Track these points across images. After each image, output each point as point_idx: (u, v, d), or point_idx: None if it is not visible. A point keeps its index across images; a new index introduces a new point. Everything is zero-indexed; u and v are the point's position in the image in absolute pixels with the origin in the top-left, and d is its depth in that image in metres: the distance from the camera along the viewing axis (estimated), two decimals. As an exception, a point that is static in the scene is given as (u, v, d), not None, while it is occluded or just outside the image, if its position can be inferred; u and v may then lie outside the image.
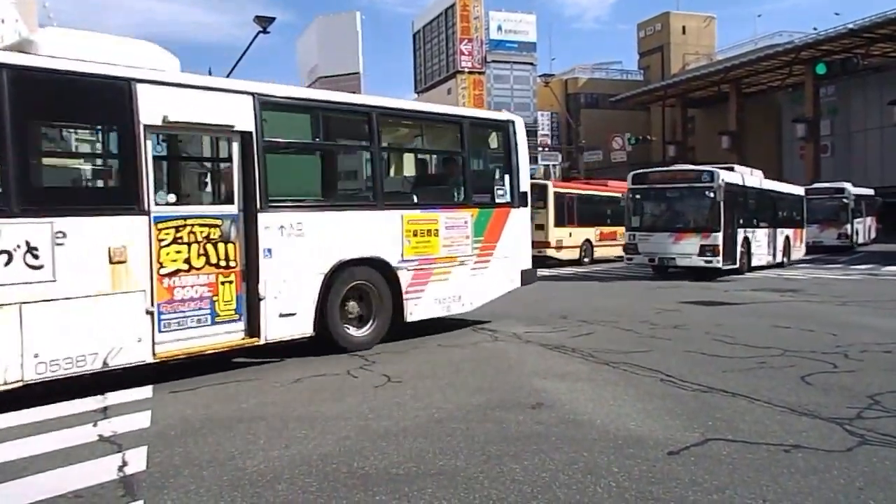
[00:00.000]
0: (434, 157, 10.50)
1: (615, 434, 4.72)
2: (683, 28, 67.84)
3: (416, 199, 8.93)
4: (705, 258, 17.44)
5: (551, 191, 23.52)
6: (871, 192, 34.57)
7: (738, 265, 18.39)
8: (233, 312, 6.90)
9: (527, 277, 10.01)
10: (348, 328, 7.99)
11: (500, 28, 75.72)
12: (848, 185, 30.50)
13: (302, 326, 7.46)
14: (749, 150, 47.89)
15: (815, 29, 43.12)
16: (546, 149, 75.02)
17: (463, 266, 9.00)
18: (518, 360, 7.45)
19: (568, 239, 23.90)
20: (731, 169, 19.99)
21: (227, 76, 23.06)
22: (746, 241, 19.14)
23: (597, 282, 18.12)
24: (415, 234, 8.45)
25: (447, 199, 9.23)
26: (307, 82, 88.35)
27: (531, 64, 76.82)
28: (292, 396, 6.00)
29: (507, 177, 9.74)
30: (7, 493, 3.89)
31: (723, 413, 5.20)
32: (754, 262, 19.72)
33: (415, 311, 8.48)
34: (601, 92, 69.45)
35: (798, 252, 23.96)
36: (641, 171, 20.34)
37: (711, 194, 17.42)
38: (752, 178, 20.70)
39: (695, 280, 17.17)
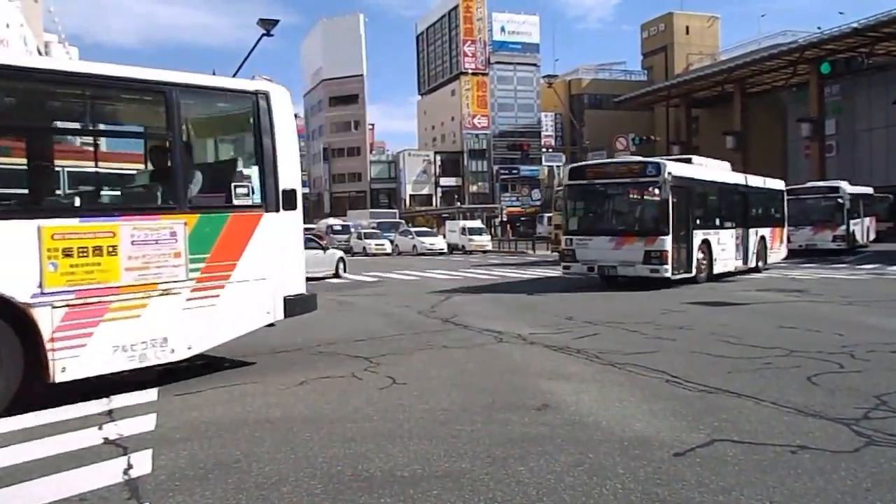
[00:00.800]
0: (113, 140, 8.04)
1: (621, 435, 4.71)
2: (687, 28, 67.79)
3: (77, 203, 6.77)
4: (651, 266, 14.86)
5: None
6: (869, 190, 33.40)
7: (692, 273, 15.84)
8: None
9: (294, 306, 7.36)
10: None
11: (503, 29, 75.75)
12: (843, 184, 28.97)
13: None
14: (754, 150, 47.84)
15: (819, 28, 43.17)
16: (550, 150, 75.07)
17: (168, 296, 6.30)
18: (523, 362, 7.44)
19: None
20: (689, 160, 17.75)
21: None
22: (707, 244, 16.62)
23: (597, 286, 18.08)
24: (69, 255, 5.67)
25: (136, 202, 6.95)
26: (311, 84, 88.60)
27: (535, 65, 76.85)
28: (297, 399, 6.00)
29: (255, 169, 7.10)
30: (13, 496, 3.89)
31: (729, 414, 5.18)
32: (718, 269, 17.20)
33: (71, 366, 5.74)
34: (605, 92, 69.42)
35: (777, 254, 21.83)
36: (578, 164, 18.64)
37: (657, 190, 14.95)
38: (712, 170, 18.27)
39: (649, 289, 14.95)
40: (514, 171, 74.44)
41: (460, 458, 4.32)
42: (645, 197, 15.56)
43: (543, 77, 55.34)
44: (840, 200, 27.78)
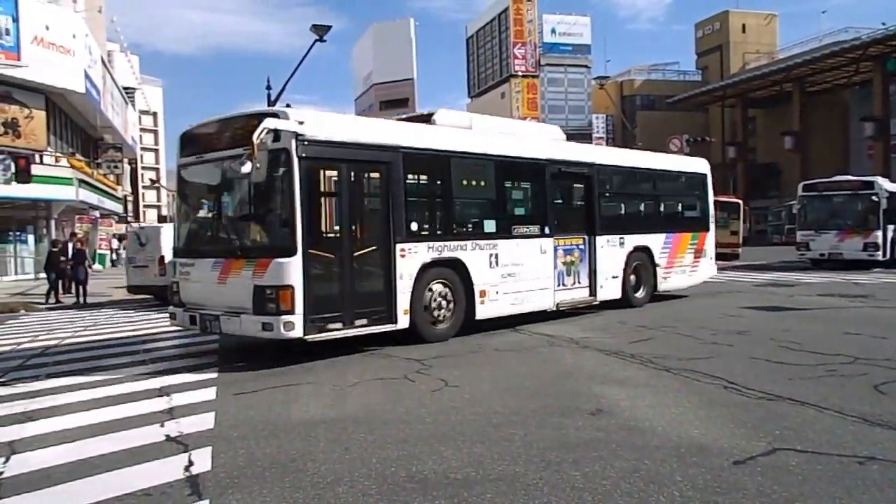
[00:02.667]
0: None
1: (678, 442, 4.61)
2: (743, 26, 66.20)
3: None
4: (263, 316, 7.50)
5: None
6: None
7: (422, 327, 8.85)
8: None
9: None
10: None
11: (553, 31, 75.28)
12: (881, 180, 22.97)
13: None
14: (814, 151, 46.48)
15: (883, 24, 41.47)
16: (601, 152, 73.78)
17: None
18: (575, 366, 7.36)
19: None
20: (429, 117, 10.28)
21: (285, 84, 23.51)
22: (463, 268, 9.34)
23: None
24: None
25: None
26: (363, 88, 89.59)
27: (586, 66, 76.13)
28: (351, 400, 6.06)
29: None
30: (79, 490, 4.03)
31: (790, 422, 5.02)
32: (494, 312, 9.85)
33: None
34: (658, 93, 68.33)
35: (698, 273, 14.46)
36: None
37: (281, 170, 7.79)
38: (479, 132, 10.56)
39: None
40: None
41: (514, 461, 4.30)
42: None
43: (595, 78, 54.79)
44: (875, 199, 21.92)
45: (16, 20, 23.67)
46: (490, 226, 9.99)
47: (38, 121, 26.00)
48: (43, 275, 19.46)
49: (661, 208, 14.03)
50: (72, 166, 28.14)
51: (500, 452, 4.48)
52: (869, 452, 4.31)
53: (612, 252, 12.15)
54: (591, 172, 11.94)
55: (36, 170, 21.28)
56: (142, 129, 75.30)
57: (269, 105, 26.13)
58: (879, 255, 21.57)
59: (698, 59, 70.27)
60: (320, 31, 23.11)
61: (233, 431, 5.10)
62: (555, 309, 10.91)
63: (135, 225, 30.99)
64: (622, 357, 7.73)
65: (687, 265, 14.11)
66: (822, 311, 11.71)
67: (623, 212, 13.31)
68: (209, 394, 6.35)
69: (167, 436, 5.05)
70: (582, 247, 11.63)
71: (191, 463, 4.40)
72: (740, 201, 30.60)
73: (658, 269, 13.26)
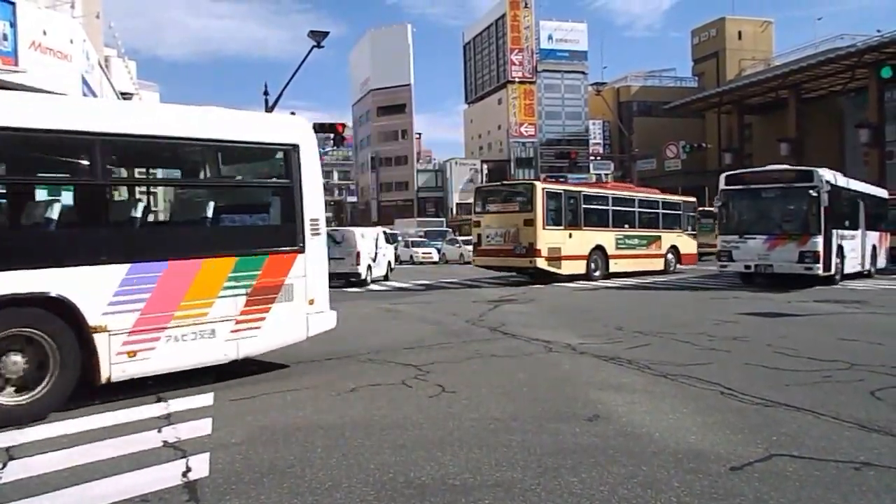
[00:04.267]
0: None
1: (675, 448, 4.63)
2: (739, 33, 66.48)
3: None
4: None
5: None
6: (881, 192, 23.88)
7: None
8: None
9: None
10: None
11: (550, 37, 75.50)
12: (822, 171, 17.23)
13: None
14: (810, 157, 46.58)
15: (878, 31, 41.72)
16: (598, 158, 74.31)
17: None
18: (573, 372, 7.37)
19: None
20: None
21: (283, 90, 23.54)
22: None
23: (651, 291, 17.80)
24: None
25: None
26: (360, 94, 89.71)
27: (582, 73, 76.35)
28: (348, 405, 6.06)
29: None
30: (77, 495, 4.03)
31: (787, 428, 5.04)
32: None
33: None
34: (654, 100, 68.55)
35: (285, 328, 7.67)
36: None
37: None
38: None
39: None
40: (562, 180, 73.91)
41: (511, 467, 4.31)
42: None
43: (592, 84, 54.95)
44: (814, 194, 16.55)
45: (13, 25, 23.60)
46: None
47: (35, 126, 25.96)
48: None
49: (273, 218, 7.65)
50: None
51: (498, 458, 4.48)
52: (865, 458, 4.33)
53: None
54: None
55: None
56: (139, 135, 75.01)
57: (266, 109, 26.21)
58: (819, 269, 16.51)
59: (695, 66, 70.54)
60: (318, 37, 23.21)
61: (230, 437, 5.10)
62: None
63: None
64: (619, 363, 7.74)
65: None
66: (818, 318, 11.74)
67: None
68: (206, 399, 6.34)
69: (164, 441, 5.04)
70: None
71: (188, 469, 4.40)
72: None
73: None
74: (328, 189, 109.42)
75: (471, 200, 27.51)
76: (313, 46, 23.27)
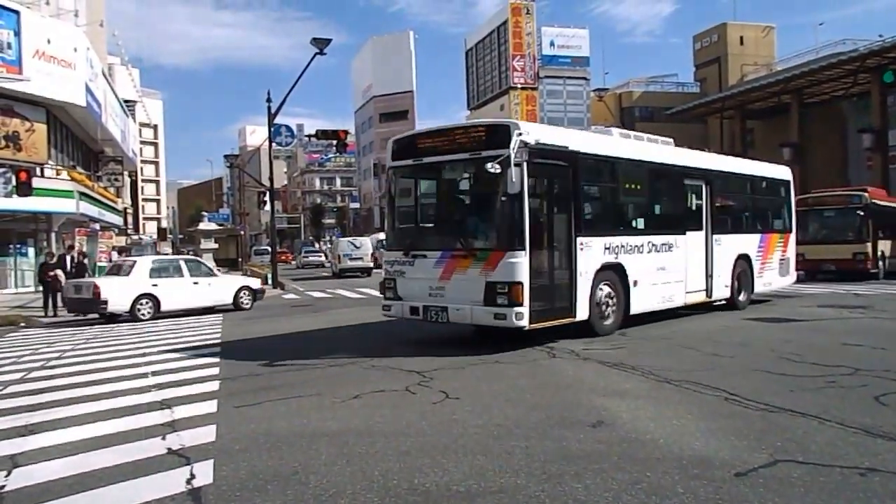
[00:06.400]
0: None
1: (679, 454, 4.62)
2: (741, 38, 66.50)
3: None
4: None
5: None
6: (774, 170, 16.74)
7: None
8: None
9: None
10: None
11: (552, 44, 75.63)
12: (523, 124, 9.21)
13: None
14: (813, 162, 46.60)
15: (880, 36, 41.68)
16: (600, 163, 73.89)
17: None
18: (576, 378, 7.37)
19: None
20: None
21: (286, 97, 23.62)
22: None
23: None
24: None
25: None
26: (362, 101, 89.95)
27: (584, 78, 76.43)
28: (352, 412, 6.07)
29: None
30: (81, 503, 4.04)
31: (792, 434, 5.03)
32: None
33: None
34: (656, 105, 68.56)
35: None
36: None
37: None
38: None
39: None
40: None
41: (516, 473, 4.30)
42: None
43: (594, 90, 55.01)
44: (494, 170, 8.51)
45: (17, 34, 23.80)
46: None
47: (39, 134, 26.08)
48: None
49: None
50: (72, 179, 28.19)
51: (502, 464, 4.48)
52: (870, 464, 4.32)
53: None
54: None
55: (37, 183, 21.32)
56: (142, 142, 75.50)
57: (269, 116, 26.27)
58: (521, 317, 8.74)
59: (696, 71, 70.54)
60: (320, 44, 23.28)
61: (234, 444, 5.11)
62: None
63: (343, 239, 42.63)
64: (623, 369, 7.73)
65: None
66: (823, 322, 11.71)
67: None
68: (211, 406, 6.35)
69: (169, 448, 5.05)
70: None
71: (192, 476, 4.40)
72: None
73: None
74: (331, 195, 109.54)
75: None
76: (316, 54, 23.35)
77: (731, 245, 13.50)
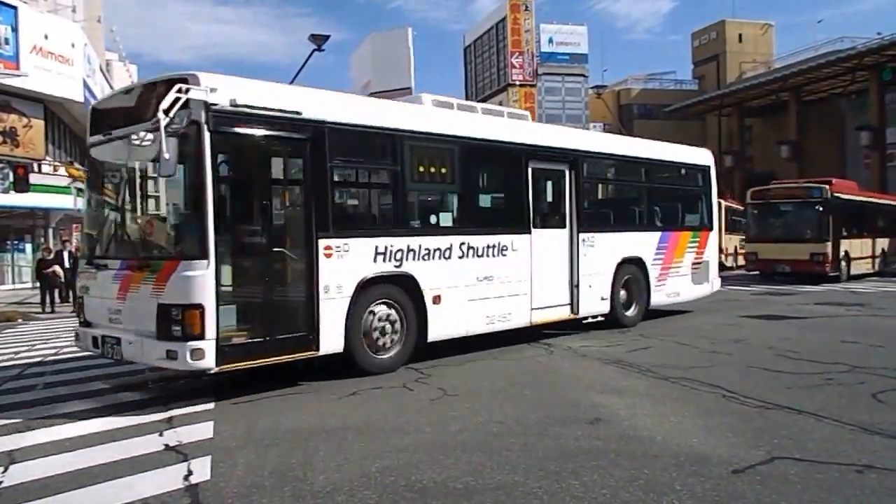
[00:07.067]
0: None
1: (676, 451, 4.62)
2: (740, 36, 66.49)
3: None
4: None
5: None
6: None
7: None
8: None
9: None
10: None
11: (551, 40, 75.52)
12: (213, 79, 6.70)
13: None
14: (811, 160, 46.63)
15: (879, 34, 41.66)
16: (599, 160, 73.94)
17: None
18: (574, 375, 7.37)
19: None
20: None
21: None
22: None
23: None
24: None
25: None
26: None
27: (583, 76, 76.36)
28: (350, 409, 6.06)
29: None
30: (78, 500, 4.03)
31: (789, 431, 5.04)
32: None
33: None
34: (655, 102, 68.56)
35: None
36: None
37: None
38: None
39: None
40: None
41: (514, 470, 4.30)
42: None
43: (592, 87, 54.98)
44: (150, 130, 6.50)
45: (15, 29, 23.72)
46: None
47: (36, 130, 26.00)
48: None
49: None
50: (70, 175, 28.12)
51: (500, 461, 4.48)
52: (867, 461, 4.33)
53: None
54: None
55: (34, 178, 21.24)
56: (140, 138, 75.08)
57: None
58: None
59: (695, 69, 70.53)
60: (318, 40, 23.17)
61: (232, 441, 5.10)
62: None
63: None
64: (621, 366, 7.74)
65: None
66: (820, 320, 11.73)
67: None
68: (208, 403, 6.34)
69: (166, 445, 5.04)
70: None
71: (190, 472, 4.40)
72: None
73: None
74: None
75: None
76: (314, 50, 23.25)
77: (611, 246, 10.68)
